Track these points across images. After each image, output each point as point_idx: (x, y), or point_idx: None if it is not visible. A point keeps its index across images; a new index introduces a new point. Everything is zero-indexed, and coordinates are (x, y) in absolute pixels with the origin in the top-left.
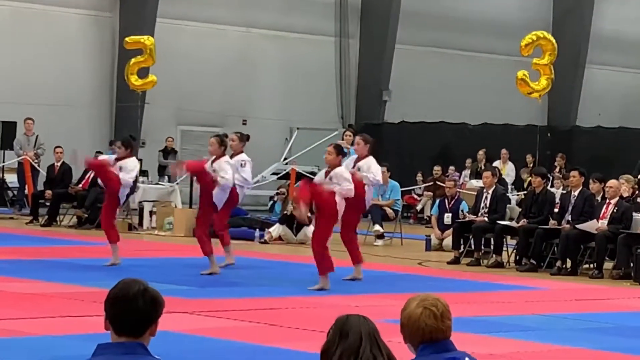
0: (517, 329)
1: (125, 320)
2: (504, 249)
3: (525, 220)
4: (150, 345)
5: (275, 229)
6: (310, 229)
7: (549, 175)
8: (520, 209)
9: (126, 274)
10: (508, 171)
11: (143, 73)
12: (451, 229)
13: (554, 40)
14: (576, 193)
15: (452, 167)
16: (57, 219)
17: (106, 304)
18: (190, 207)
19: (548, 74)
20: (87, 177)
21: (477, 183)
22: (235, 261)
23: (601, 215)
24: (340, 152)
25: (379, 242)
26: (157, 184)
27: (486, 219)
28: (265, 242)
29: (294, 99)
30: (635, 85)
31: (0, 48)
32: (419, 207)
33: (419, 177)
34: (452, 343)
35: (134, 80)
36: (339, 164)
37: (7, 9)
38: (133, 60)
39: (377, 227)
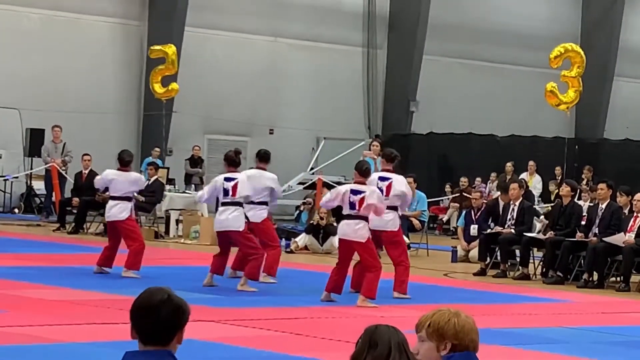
0: (543, 341)
1: (150, 330)
2: (531, 261)
3: (552, 232)
4: (176, 353)
5: (302, 239)
6: (336, 239)
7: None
8: (547, 221)
9: (153, 283)
10: (535, 183)
11: (168, 82)
12: (477, 241)
13: (582, 53)
14: (603, 206)
15: (478, 179)
16: (84, 226)
17: (131, 313)
18: None
19: (576, 86)
20: None
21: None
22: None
23: (628, 228)
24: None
25: None
26: (183, 192)
27: (513, 230)
28: (291, 252)
29: (321, 109)
30: None
31: (29, 55)
32: (445, 219)
33: (448, 189)
34: (475, 356)
35: (158, 88)
36: None
37: (37, 17)
38: (156, 68)
39: (404, 237)
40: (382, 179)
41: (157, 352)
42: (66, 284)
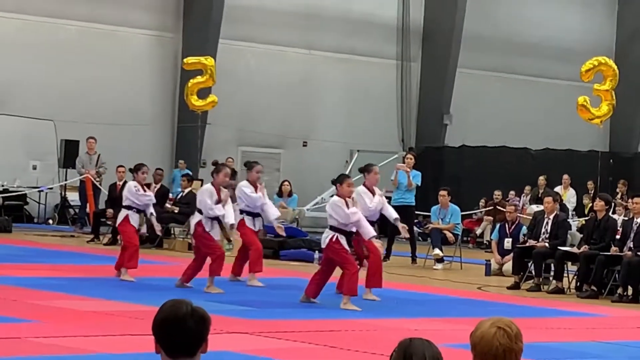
0: (577, 355)
1: (178, 343)
2: (565, 275)
3: (586, 246)
4: None
5: None
6: None
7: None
8: (581, 235)
9: (187, 294)
10: (569, 197)
11: (203, 93)
12: (511, 254)
13: (615, 66)
14: (638, 220)
15: (512, 192)
16: (118, 237)
17: (155, 328)
18: None
19: (609, 99)
20: None
21: (537, 208)
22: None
23: None
24: None
25: (439, 265)
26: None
27: (547, 244)
28: None
29: (355, 122)
30: None
31: (65, 67)
32: (478, 232)
33: (482, 203)
34: None
35: (194, 100)
36: None
37: (74, 29)
38: (193, 80)
39: (437, 250)
40: None
41: None
42: (100, 295)
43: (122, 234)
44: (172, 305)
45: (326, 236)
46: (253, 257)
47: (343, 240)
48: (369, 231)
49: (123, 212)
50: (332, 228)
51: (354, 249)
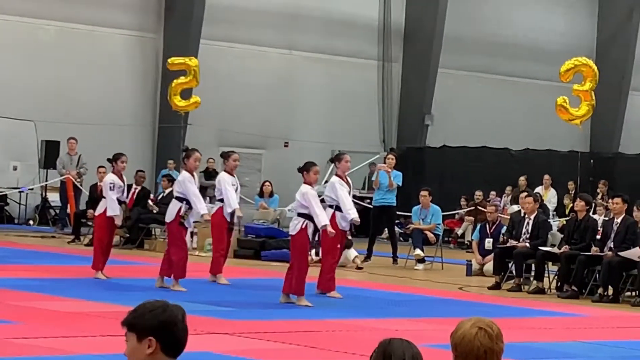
0: (558, 355)
1: (180, 343)
2: (545, 275)
3: (567, 246)
4: None
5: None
6: (351, 252)
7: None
8: (561, 235)
9: (168, 295)
10: (550, 197)
11: (186, 94)
12: (492, 254)
13: (594, 67)
14: (619, 220)
15: (493, 192)
16: None
17: (158, 329)
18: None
19: (589, 100)
20: (130, 196)
21: (518, 208)
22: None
23: None
24: None
25: (420, 266)
26: None
27: (528, 244)
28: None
29: (336, 122)
30: None
31: (45, 67)
32: (459, 232)
33: (463, 202)
34: None
35: (177, 101)
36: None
37: (53, 29)
38: (176, 81)
39: (418, 251)
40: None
41: None
42: (80, 296)
43: (95, 229)
44: (166, 306)
45: (296, 223)
46: (215, 257)
47: (310, 229)
48: (324, 221)
49: (104, 203)
50: (301, 215)
51: (318, 240)
